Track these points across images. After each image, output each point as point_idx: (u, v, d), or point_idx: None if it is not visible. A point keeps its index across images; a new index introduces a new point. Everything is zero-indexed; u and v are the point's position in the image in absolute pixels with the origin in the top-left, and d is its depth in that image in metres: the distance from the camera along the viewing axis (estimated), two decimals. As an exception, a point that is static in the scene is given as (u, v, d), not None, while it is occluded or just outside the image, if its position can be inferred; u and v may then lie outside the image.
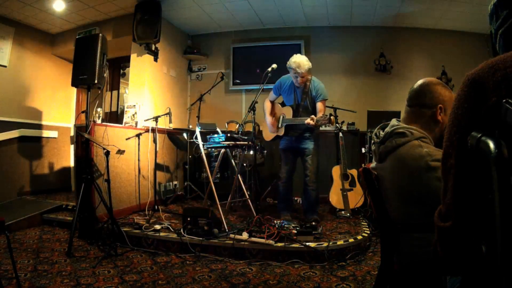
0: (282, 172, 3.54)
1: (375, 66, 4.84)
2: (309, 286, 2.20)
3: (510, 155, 0.52)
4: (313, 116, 3.13)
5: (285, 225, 2.99)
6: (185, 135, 4.79)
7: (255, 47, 5.14)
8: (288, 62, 3.35)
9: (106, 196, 3.03)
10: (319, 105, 3.33)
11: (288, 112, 3.49)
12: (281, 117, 3.50)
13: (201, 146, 3.45)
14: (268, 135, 3.71)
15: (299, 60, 3.26)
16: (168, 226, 3.15)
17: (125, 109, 4.29)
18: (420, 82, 1.34)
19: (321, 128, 4.74)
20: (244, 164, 4.08)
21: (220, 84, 5.03)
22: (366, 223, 3.36)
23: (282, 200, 3.60)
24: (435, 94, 1.29)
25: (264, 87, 3.36)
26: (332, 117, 3.23)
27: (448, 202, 0.66)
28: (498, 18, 0.73)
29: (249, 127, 4.00)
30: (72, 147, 5.15)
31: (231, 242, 2.72)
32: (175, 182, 4.80)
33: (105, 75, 3.22)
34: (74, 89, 5.29)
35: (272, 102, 3.65)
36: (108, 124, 3.66)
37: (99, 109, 3.60)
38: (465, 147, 0.61)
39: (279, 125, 3.50)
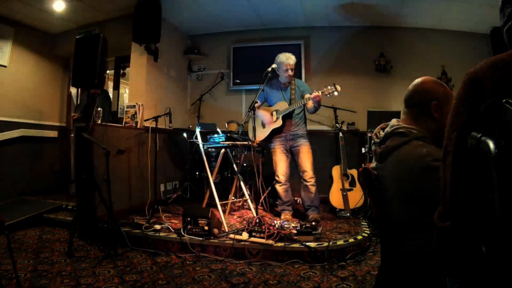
0: (279, 175, 3.55)
1: (375, 66, 4.83)
2: (309, 286, 2.20)
3: (510, 155, 0.52)
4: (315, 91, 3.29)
5: (285, 225, 2.99)
6: (185, 135, 4.79)
7: (255, 47, 5.14)
8: (276, 60, 3.51)
9: (106, 196, 3.03)
10: (307, 96, 3.41)
11: (282, 105, 3.52)
12: (275, 112, 3.57)
13: (201, 146, 3.45)
14: (259, 136, 3.64)
15: (289, 54, 3.52)
16: (168, 226, 3.15)
17: (125, 109, 4.29)
18: (414, 82, 1.35)
19: (320, 128, 4.76)
20: (244, 164, 4.08)
21: (220, 84, 5.03)
22: (366, 223, 3.36)
23: (283, 203, 3.61)
24: (428, 92, 1.29)
25: (264, 87, 3.37)
26: (337, 85, 3.23)
27: (447, 200, 0.66)
28: (504, 14, 0.73)
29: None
30: (72, 147, 5.15)
31: (231, 242, 2.73)
32: (175, 182, 4.80)
33: (105, 75, 3.22)
34: (74, 89, 5.30)
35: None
36: (108, 124, 3.66)
37: (99, 109, 3.60)
38: (463, 145, 0.61)
39: (274, 119, 3.54)
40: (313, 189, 3.46)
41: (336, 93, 3.28)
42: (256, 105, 3.63)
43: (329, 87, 3.24)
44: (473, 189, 0.61)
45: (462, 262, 0.67)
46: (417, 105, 1.31)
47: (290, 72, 3.49)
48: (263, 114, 3.60)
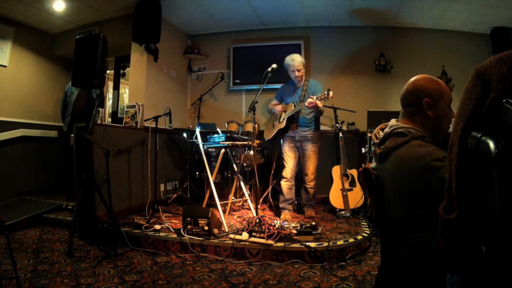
0: (286, 172, 3.67)
1: (375, 66, 4.83)
2: (309, 286, 2.20)
3: (510, 155, 0.52)
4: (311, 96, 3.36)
5: (285, 225, 2.99)
6: (185, 135, 4.79)
7: (255, 47, 5.14)
8: (284, 63, 3.61)
9: (106, 196, 3.03)
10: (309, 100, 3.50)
11: (289, 107, 3.64)
12: (283, 112, 3.70)
13: (201, 146, 3.45)
14: (268, 134, 3.82)
15: (293, 56, 3.61)
16: (168, 226, 3.15)
17: (125, 109, 4.29)
18: (408, 81, 1.35)
19: (321, 128, 4.77)
20: (244, 164, 4.09)
21: (220, 84, 5.03)
22: (366, 223, 3.36)
23: (285, 200, 3.66)
24: (420, 90, 1.29)
25: (264, 87, 3.39)
26: (330, 92, 3.25)
27: (452, 192, 0.66)
28: None
29: (249, 127, 4.01)
30: (72, 147, 5.14)
31: (231, 242, 2.73)
32: (175, 182, 4.80)
33: (105, 75, 3.22)
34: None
35: None
36: (108, 124, 3.65)
37: (99, 109, 3.60)
38: (468, 136, 0.61)
39: (280, 120, 3.66)
40: (311, 191, 3.66)
41: (327, 99, 3.33)
42: (272, 103, 3.86)
43: (324, 92, 3.29)
44: (476, 183, 0.62)
45: (465, 257, 0.67)
46: (411, 104, 1.32)
47: (297, 74, 3.57)
48: (276, 107, 3.76)
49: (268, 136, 3.85)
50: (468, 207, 0.63)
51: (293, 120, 3.59)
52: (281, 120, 3.64)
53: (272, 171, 4.20)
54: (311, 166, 3.60)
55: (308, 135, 3.59)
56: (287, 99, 3.73)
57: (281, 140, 3.75)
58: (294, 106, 3.56)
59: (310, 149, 3.58)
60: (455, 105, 0.88)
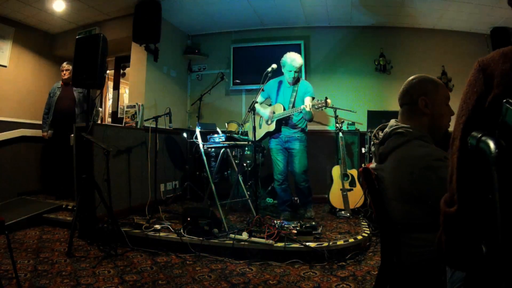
0: (276, 174, 3.61)
1: (375, 66, 4.83)
2: (309, 286, 2.20)
3: (510, 155, 0.52)
4: (308, 101, 3.22)
5: (285, 225, 2.99)
6: (185, 135, 4.79)
7: (255, 47, 5.13)
8: (282, 59, 3.49)
9: (106, 196, 3.02)
10: (307, 99, 3.38)
11: (278, 109, 3.53)
12: (272, 113, 3.58)
13: (201, 146, 3.45)
14: (256, 134, 3.67)
15: (294, 57, 3.45)
16: (168, 226, 3.15)
17: (125, 109, 4.29)
18: (405, 82, 1.36)
19: (320, 128, 4.76)
20: (244, 164, 4.08)
21: (220, 84, 5.01)
22: (366, 223, 3.36)
23: (283, 202, 3.65)
24: (415, 89, 1.31)
25: (269, 82, 3.37)
26: (328, 100, 3.14)
27: (452, 186, 0.66)
28: None
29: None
30: (72, 147, 5.14)
31: (231, 242, 2.72)
32: (175, 182, 4.80)
33: (105, 75, 3.22)
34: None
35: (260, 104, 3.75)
36: (108, 124, 3.65)
37: (99, 109, 3.60)
38: (470, 130, 0.61)
39: (269, 122, 3.56)
40: (306, 190, 3.58)
41: (324, 108, 3.26)
42: (258, 101, 3.63)
43: (321, 100, 3.18)
44: (477, 179, 0.61)
45: (467, 252, 0.66)
46: (408, 104, 1.33)
47: (293, 75, 3.47)
48: (264, 111, 3.62)
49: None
50: (468, 201, 0.63)
51: (281, 122, 3.51)
52: (269, 123, 3.56)
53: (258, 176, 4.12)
54: (299, 164, 3.49)
55: (295, 135, 3.51)
56: (275, 98, 3.61)
57: (269, 143, 3.66)
58: (284, 108, 3.45)
59: (297, 147, 3.49)
60: (455, 104, 0.88)
